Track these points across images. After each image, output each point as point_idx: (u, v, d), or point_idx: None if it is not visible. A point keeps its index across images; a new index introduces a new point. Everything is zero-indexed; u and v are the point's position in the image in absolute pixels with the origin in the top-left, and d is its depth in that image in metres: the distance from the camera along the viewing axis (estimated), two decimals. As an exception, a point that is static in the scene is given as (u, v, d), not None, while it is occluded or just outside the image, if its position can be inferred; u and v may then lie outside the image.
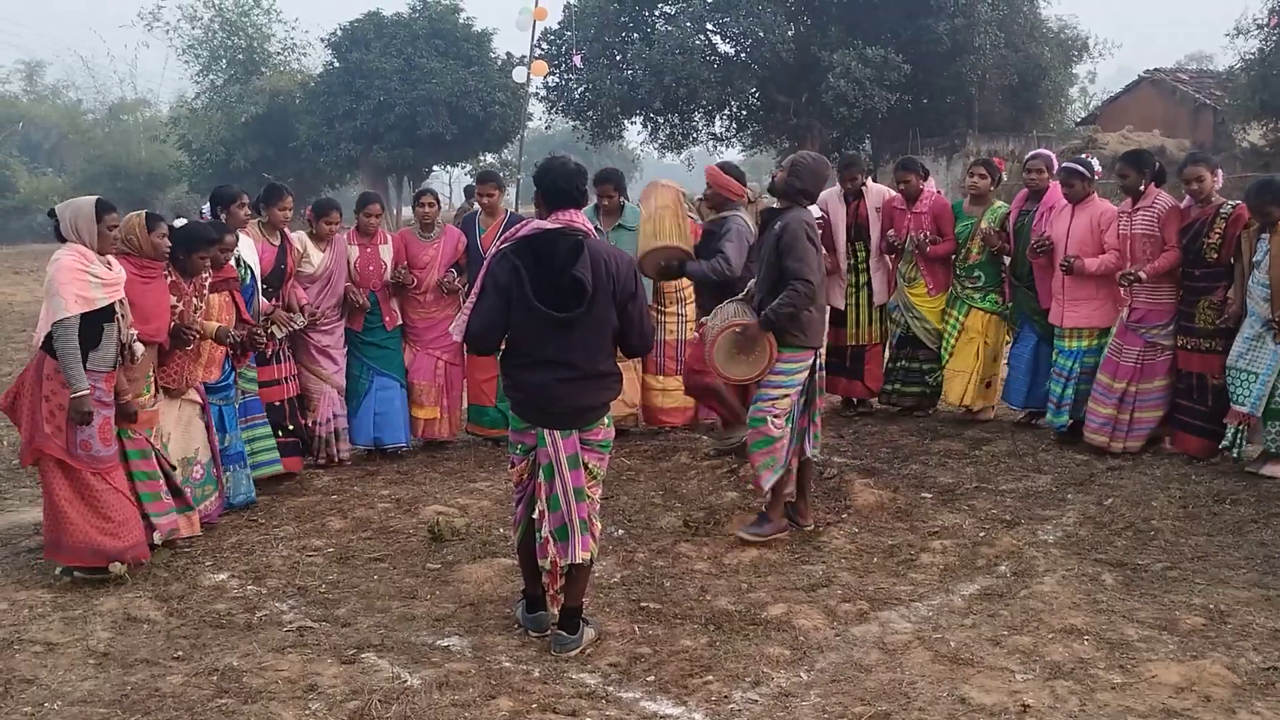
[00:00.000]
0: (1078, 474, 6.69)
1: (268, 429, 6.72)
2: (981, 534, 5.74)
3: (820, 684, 4.09)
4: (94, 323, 5.18)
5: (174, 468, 5.83)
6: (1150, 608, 4.69)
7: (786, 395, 5.61)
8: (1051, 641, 4.36)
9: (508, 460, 4.74)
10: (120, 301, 5.31)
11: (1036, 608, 4.70)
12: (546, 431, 4.33)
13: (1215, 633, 4.42)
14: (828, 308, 5.88)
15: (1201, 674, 4.03)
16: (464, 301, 4.66)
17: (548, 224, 4.30)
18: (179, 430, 5.96)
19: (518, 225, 4.41)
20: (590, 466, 4.43)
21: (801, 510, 5.90)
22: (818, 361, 5.77)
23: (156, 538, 5.66)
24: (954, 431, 7.80)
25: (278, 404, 6.87)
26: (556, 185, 4.35)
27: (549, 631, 4.53)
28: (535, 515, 4.40)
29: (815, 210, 8.02)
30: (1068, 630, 4.46)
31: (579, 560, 4.37)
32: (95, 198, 5.37)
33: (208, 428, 6.16)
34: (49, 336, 5.16)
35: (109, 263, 5.30)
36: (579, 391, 4.33)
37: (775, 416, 5.58)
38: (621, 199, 7.73)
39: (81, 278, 5.13)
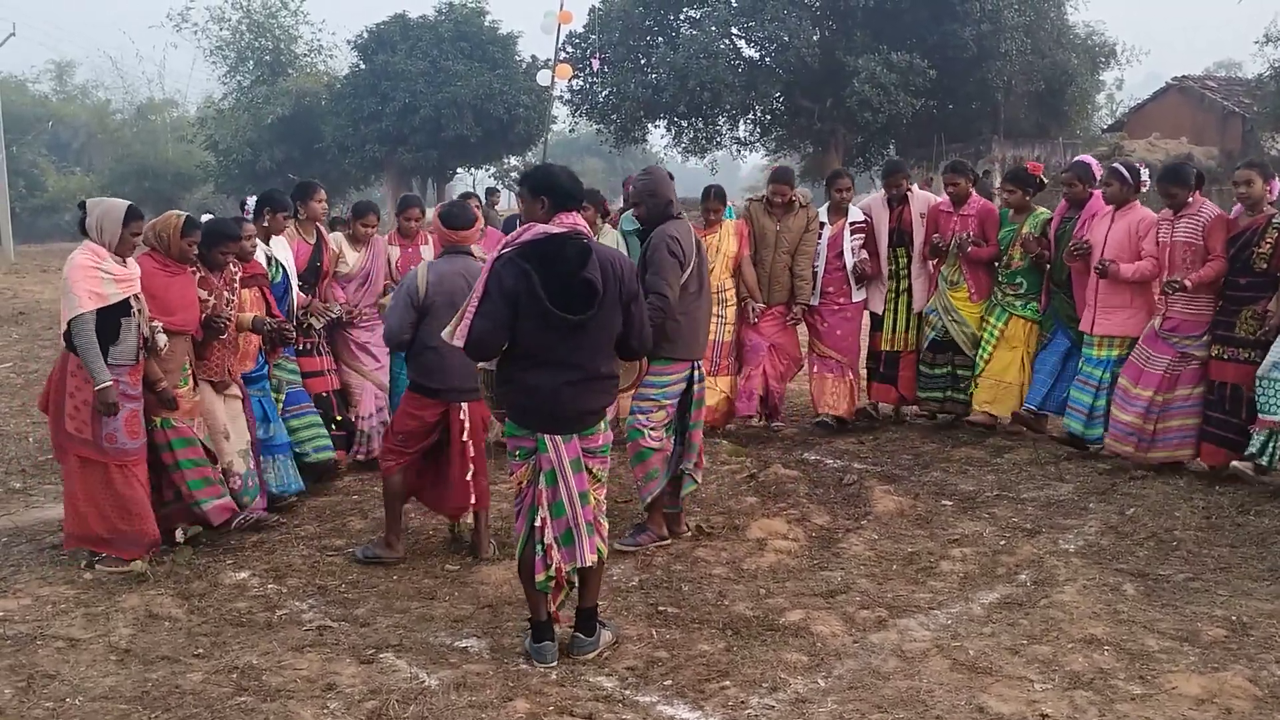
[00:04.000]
0: (1100, 483, 6.64)
1: (316, 417, 6.81)
2: (1002, 542, 5.71)
3: (838, 691, 4.09)
4: (111, 318, 5.31)
5: (214, 462, 5.89)
6: (1171, 619, 4.66)
7: (661, 407, 5.67)
8: (1071, 651, 4.34)
9: (507, 468, 4.70)
10: (136, 296, 5.42)
11: (1056, 617, 4.68)
12: (547, 437, 4.28)
13: (1237, 645, 4.39)
14: (706, 321, 5.88)
15: (1223, 686, 4.00)
16: None
17: (553, 228, 4.27)
18: (232, 425, 6.05)
19: (519, 230, 4.36)
20: (594, 470, 4.41)
21: (678, 518, 5.92)
22: (697, 374, 5.75)
23: (179, 535, 5.73)
24: (975, 439, 7.76)
25: (324, 395, 6.99)
26: (564, 188, 4.33)
27: (554, 664, 4.39)
28: (537, 524, 4.33)
29: (858, 214, 7.98)
30: (1088, 640, 4.43)
31: (587, 563, 4.33)
32: (129, 203, 5.51)
33: (248, 420, 6.23)
34: (68, 334, 5.28)
35: (124, 260, 5.43)
36: (584, 394, 4.31)
37: (651, 429, 5.66)
38: (597, 215, 7.71)
39: (94, 275, 5.28)
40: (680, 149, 34.59)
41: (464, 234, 5.50)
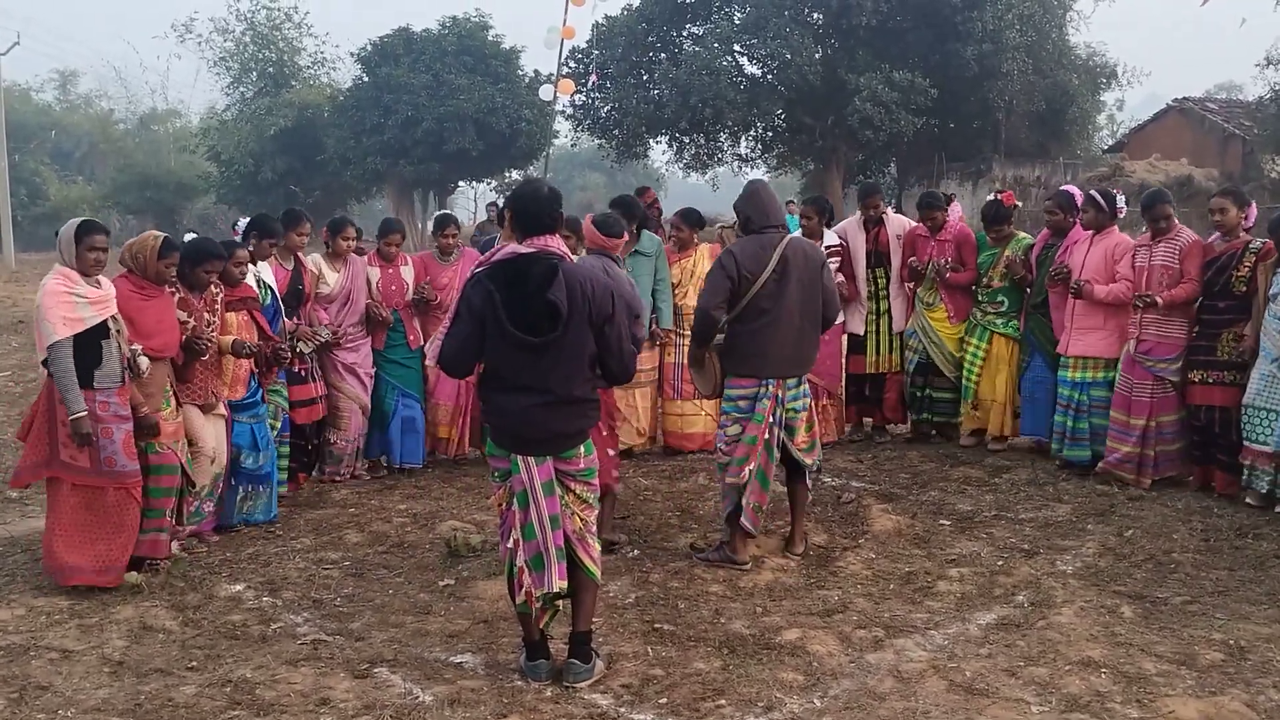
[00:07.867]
0: (1098, 504, 6.63)
1: (286, 448, 6.78)
2: (999, 563, 5.70)
3: (833, 711, 4.07)
4: (91, 341, 5.18)
5: (192, 486, 5.82)
6: (1169, 641, 4.64)
7: (735, 421, 5.64)
8: (1068, 674, 4.32)
9: (491, 489, 4.67)
10: (114, 317, 5.29)
11: (1054, 639, 4.66)
12: (520, 458, 4.24)
13: (1235, 668, 4.37)
14: (784, 342, 5.58)
15: (1220, 710, 3.98)
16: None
17: (523, 248, 4.24)
18: (219, 445, 6.00)
19: (493, 249, 4.35)
20: (578, 492, 4.35)
21: (791, 538, 5.91)
22: (784, 395, 5.62)
23: (175, 547, 5.70)
24: (974, 459, 7.76)
25: (305, 426, 6.95)
26: (528, 212, 4.27)
27: (548, 680, 4.37)
28: (509, 545, 4.31)
29: (833, 237, 8.05)
30: (1085, 662, 4.42)
31: (554, 589, 4.22)
32: (81, 219, 5.40)
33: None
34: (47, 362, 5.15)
35: (98, 282, 5.30)
36: (554, 417, 4.23)
37: (724, 445, 5.67)
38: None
39: (67, 300, 5.13)
40: (682, 165, 34.68)
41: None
